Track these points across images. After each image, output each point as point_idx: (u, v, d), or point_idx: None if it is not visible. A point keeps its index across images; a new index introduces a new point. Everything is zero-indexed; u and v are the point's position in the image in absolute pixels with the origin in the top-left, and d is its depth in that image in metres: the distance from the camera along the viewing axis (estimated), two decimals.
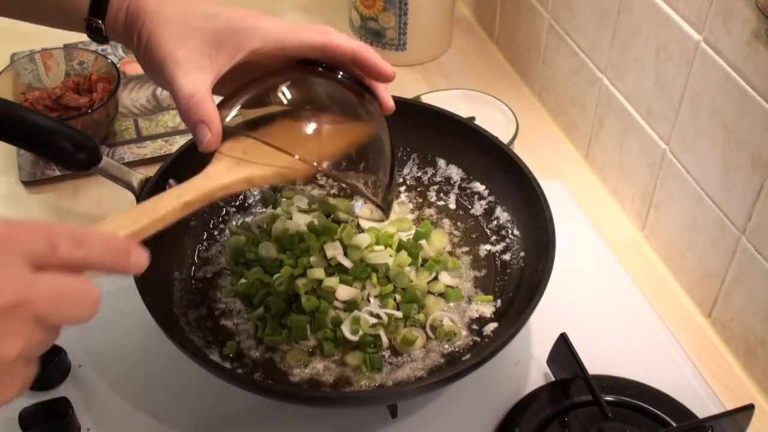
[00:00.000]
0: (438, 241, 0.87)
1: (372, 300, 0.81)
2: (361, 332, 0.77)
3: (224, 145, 0.64)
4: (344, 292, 0.79)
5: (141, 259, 0.52)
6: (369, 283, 0.81)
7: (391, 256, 0.84)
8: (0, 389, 0.47)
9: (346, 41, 0.69)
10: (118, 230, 0.54)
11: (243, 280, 0.82)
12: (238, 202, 0.92)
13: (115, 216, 0.55)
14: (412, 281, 0.82)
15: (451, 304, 0.82)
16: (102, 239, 0.51)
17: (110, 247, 0.51)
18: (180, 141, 1.06)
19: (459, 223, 0.90)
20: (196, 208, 0.60)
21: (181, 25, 0.67)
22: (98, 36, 0.72)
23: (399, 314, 0.79)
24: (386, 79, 0.71)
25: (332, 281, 0.79)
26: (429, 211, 0.91)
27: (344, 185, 0.75)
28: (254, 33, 0.67)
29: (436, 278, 0.84)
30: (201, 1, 0.69)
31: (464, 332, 0.80)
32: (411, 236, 0.87)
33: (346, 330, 0.77)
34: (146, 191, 0.81)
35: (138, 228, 0.55)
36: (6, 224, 0.48)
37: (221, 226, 0.89)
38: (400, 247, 0.84)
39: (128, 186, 0.83)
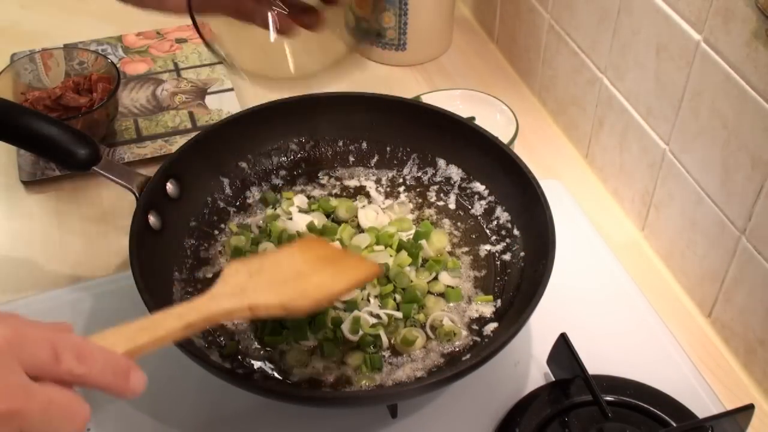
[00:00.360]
0: (438, 241, 0.87)
1: (372, 300, 0.81)
2: (361, 332, 0.77)
3: (231, 266, 0.64)
4: None
5: (140, 381, 0.52)
6: (369, 283, 0.81)
7: (391, 256, 0.84)
8: None
9: None
10: (115, 345, 0.52)
11: None
12: (238, 203, 0.92)
13: (115, 328, 0.54)
14: (412, 281, 0.82)
15: (451, 305, 0.82)
16: (105, 356, 0.50)
17: (112, 366, 0.51)
18: (180, 141, 1.06)
19: (459, 223, 0.90)
20: (197, 330, 0.59)
21: None
22: None
23: (399, 314, 0.79)
24: None
25: None
26: (429, 212, 0.91)
27: None
28: None
29: (436, 278, 0.84)
30: None
31: (464, 332, 0.80)
32: (411, 236, 0.87)
33: (346, 330, 0.77)
34: (146, 191, 0.81)
35: (136, 346, 0.53)
36: (15, 328, 0.47)
37: (221, 226, 0.89)
38: (400, 247, 0.84)
39: (128, 186, 0.83)
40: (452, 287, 0.83)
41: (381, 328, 0.78)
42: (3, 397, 0.45)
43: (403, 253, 0.83)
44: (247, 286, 0.62)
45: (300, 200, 0.90)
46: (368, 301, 0.81)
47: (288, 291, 0.63)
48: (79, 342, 0.49)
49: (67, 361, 0.48)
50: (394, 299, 0.81)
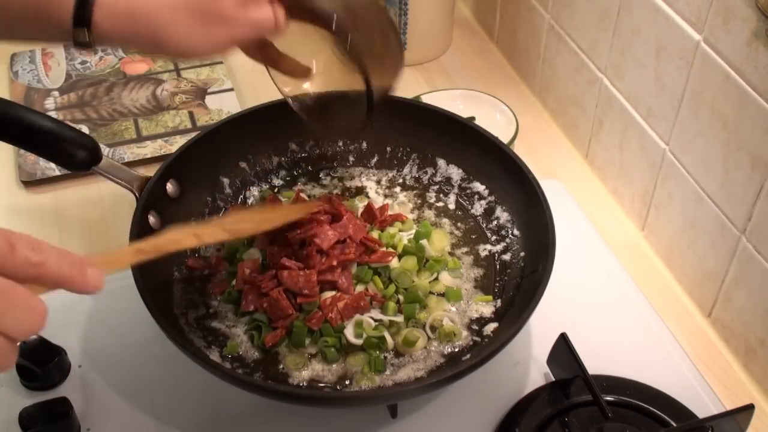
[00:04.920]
0: (439, 241, 0.87)
1: (373, 304, 0.80)
2: (365, 335, 0.77)
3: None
4: None
5: (97, 276, 0.52)
6: (371, 284, 0.81)
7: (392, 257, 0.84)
8: None
9: None
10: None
11: (233, 283, 0.81)
12: (238, 202, 0.92)
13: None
14: (414, 282, 0.82)
15: (452, 305, 0.82)
16: (59, 251, 0.51)
17: (67, 259, 0.51)
18: (180, 141, 1.06)
19: (459, 224, 0.90)
20: (147, 256, 0.64)
21: None
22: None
23: (400, 319, 0.79)
24: None
25: None
26: (429, 212, 0.91)
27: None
28: None
29: (436, 278, 0.84)
30: None
31: (464, 332, 0.80)
32: (411, 236, 0.86)
33: (350, 335, 0.77)
34: (146, 191, 0.81)
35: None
36: None
37: None
38: (405, 251, 0.84)
39: (128, 186, 0.83)
40: (452, 288, 0.83)
41: (384, 330, 0.78)
42: None
43: (412, 258, 0.83)
44: (194, 231, 0.70)
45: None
46: (370, 305, 0.80)
47: (229, 221, 0.74)
48: (33, 238, 0.50)
49: (22, 249, 0.49)
50: (397, 300, 0.81)
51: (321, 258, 0.79)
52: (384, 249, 0.84)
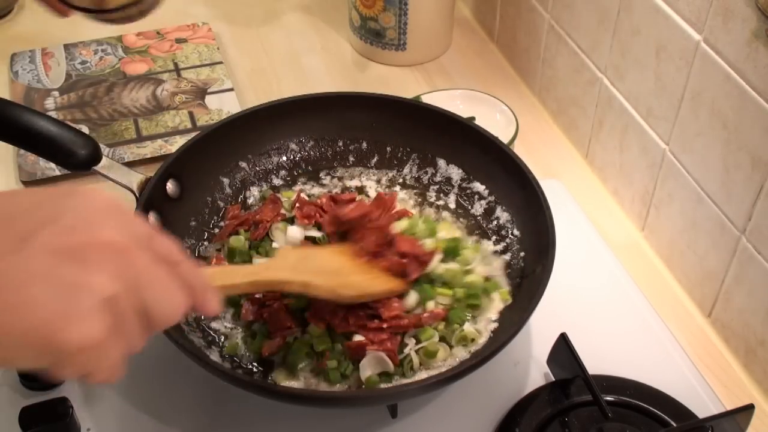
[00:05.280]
0: (451, 232, 0.86)
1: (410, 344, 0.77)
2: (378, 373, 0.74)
3: (284, 248, 0.76)
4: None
5: (216, 300, 0.54)
6: (432, 289, 0.80)
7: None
8: (96, 365, 0.47)
9: None
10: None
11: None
12: (238, 202, 0.92)
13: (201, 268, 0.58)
14: (469, 279, 0.81)
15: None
16: (192, 265, 0.53)
17: (197, 272, 0.53)
18: (180, 141, 1.06)
19: (460, 220, 0.90)
20: (256, 290, 0.69)
21: None
22: None
23: (435, 339, 0.76)
24: None
25: None
26: (429, 211, 0.91)
27: None
28: None
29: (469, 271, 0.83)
30: None
31: (483, 338, 0.78)
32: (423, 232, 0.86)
33: (364, 372, 0.73)
34: (146, 191, 0.81)
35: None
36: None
37: (221, 224, 0.89)
38: (447, 251, 0.83)
39: (128, 186, 0.83)
40: (490, 279, 0.82)
41: (413, 353, 0.75)
42: (119, 235, 0.48)
43: (454, 265, 0.82)
44: (298, 267, 0.70)
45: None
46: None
47: (333, 280, 0.72)
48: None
49: (163, 242, 0.52)
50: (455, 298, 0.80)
51: (372, 321, 0.76)
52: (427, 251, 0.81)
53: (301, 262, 0.72)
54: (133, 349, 0.49)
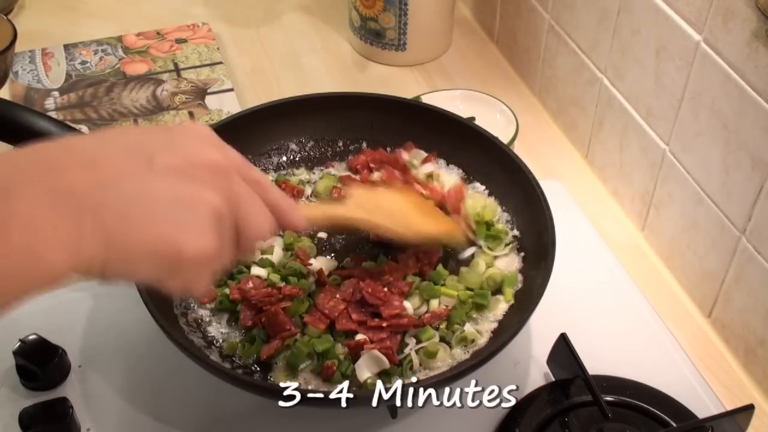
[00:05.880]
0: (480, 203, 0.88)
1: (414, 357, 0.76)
2: (376, 375, 0.73)
3: (357, 190, 0.79)
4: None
5: (303, 217, 0.62)
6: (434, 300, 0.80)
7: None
8: (200, 278, 0.53)
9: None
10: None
11: (226, 290, 0.80)
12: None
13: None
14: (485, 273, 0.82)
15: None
16: (279, 190, 0.61)
17: (286, 196, 0.61)
18: None
19: None
20: (331, 224, 0.78)
21: None
22: None
23: (436, 339, 0.76)
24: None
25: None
26: None
27: None
28: None
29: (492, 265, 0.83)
30: None
31: (483, 339, 0.77)
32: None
33: (362, 374, 0.73)
34: None
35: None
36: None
37: None
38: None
39: None
40: (508, 273, 0.82)
41: (412, 352, 0.75)
42: (220, 156, 0.55)
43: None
44: (367, 206, 0.77)
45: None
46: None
47: (397, 220, 0.78)
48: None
49: (253, 170, 0.59)
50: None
51: (373, 319, 0.76)
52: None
53: (370, 200, 0.78)
54: (224, 265, 0.54)
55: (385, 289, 0.78)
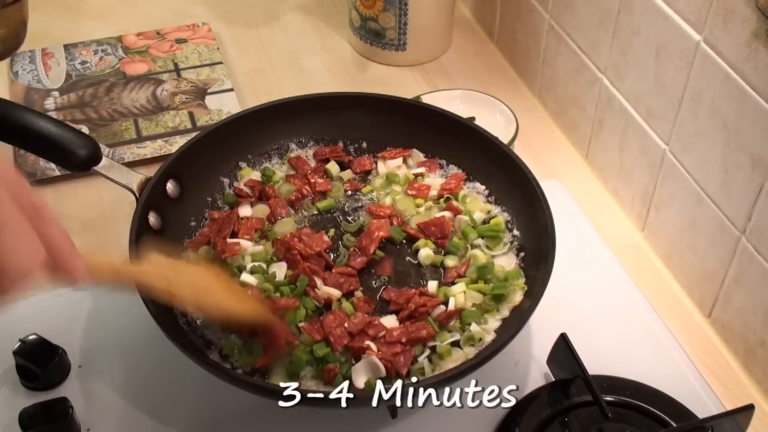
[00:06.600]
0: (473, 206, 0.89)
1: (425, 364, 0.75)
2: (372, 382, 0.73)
3: (157, 255, 0.70)
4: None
5: (83, 267, 0.51)
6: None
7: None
8: None
9: None
10: None
11: None
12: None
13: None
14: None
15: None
16: (61, 227, 0.50)
17: (66, 236, 0.49)
18: (180, 141, 1.06)
19: None
20: (119, 284, 0.66)
21: None
22: None
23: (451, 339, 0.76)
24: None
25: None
26: None
27: None
28: None
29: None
30: None
31: (489, 337, 0.77)
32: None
33: (359, 380, 0.73)
34: (146, 191, 0.81)
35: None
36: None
37: None
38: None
39: (128, 186, 0.83)
40: (512, 269, 0.82)
41: (425, 361, 0.75)
42: None
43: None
44: (169, 276, 0.69)
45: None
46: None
47: (200, 295, 0.71)
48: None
49: (35, 197, 0.48)
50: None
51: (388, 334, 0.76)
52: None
53: (171, 270, 0.71)
54: None
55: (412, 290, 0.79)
